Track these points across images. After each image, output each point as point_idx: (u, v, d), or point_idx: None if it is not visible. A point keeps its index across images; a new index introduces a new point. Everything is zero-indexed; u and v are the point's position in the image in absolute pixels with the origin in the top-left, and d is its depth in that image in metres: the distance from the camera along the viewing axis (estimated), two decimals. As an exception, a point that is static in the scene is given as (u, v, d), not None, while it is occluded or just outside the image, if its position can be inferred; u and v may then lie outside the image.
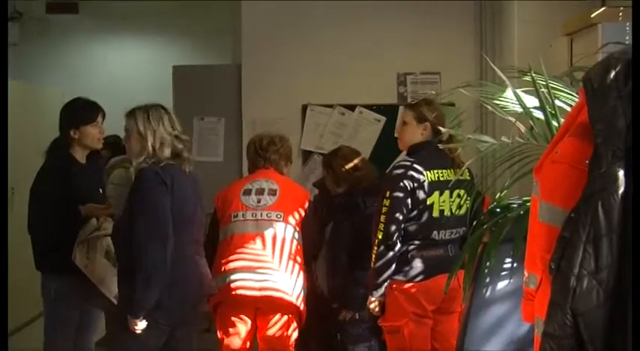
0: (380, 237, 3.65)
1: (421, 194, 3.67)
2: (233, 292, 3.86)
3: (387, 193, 3.65)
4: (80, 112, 4.01)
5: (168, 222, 3.30)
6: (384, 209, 3.65)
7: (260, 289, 3.85)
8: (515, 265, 2.87)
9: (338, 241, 4.30)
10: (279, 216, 3.96)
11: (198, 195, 3.56)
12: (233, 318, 3.92)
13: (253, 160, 4.18)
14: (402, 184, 3.65)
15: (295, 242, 3.97)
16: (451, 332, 3.79)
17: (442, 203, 3.72)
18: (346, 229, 4.30)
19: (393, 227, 3.64)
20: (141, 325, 3.29)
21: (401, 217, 3.64)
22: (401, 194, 3.64)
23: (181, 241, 3.35)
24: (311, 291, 4.13)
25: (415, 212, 3.68)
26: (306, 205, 4.08)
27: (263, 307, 3.90)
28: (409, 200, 3.65)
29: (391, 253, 3.65)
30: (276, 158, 4.15)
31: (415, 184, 3.65)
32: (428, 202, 3.69)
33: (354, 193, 4.35)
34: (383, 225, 3.64)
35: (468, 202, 3.72)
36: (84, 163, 4.02)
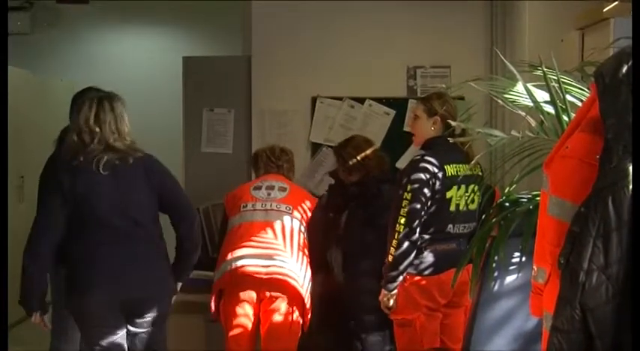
0: (401, 230, 3.63)
1: (437, 186, 3.66)
2: (239, 273, 3.83)
3: (408, 187, 3.64)
4: None
5: (46, 224, 3.28)
6: (404, 202, 3.63)
7: (266, 274, 3.84)
8: (523, 259, 2.86)
9: (352, 230, 4.31)
10: (288, 208, 3.97)
11: (128, 188, 3.34)
12: (237, 307, 3.91)
13: (265, 166, 4.21)
14: (419, 175, 3.65)
15: (303, 236, 3.97)
16: (459, 325, 3.80)
17: (458, 198, 3.72)
18: (360, 218, 4.31)
19: (414, 218, 3.63)
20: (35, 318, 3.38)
21: (418, 206, 3.63)
22: (418, 185, 3.64)
23: (96, 238, 3.29)
24: (325, 279, 4.14)
25: (431, 204, 3.68)
26: (312, 208, 4.10)
27: (268, 290, 3.87)
28: (427, 191, 3.65)
29: (410, 246, 3.64)
30: (288, 166, 4.23)
31: (430, 176, 3.65)
32: (447, 196, 3.69)
33: (368, 182, 4.36)
34: (404, 218, 3.62)
35: (478, 196, 3.73)
36: None
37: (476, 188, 3.75)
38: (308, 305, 3.94)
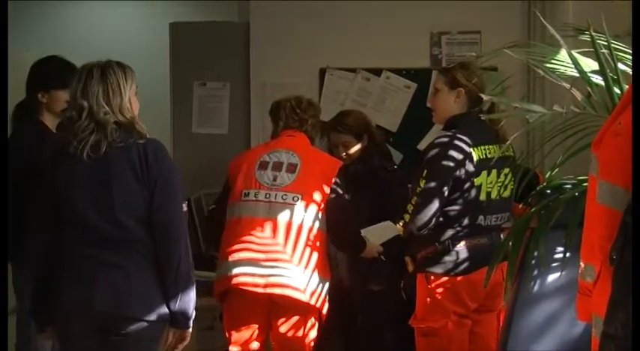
0: (409, 223, 3.62)
1: (466, 173, 3.63)
2: (234, 287, 3.88)
3: (424, 172, 3.63)
4: (52, 73, 4.01)
5: (40, 211, 3.21)
6: (418, 189, 3.62)
7: (265, 286, 3.85)
8: (568, 254, 2.86)
9: (359, 214, 4.33)
10: (296, 198, 3.94)
11: (112, 179, 3.14)
12: (242, 318, 3.94)
13: (287, 119, 4.16)
14: (443, 161, 3.62)
15: (315, 228, 3.96)
16: (491, 334, 3.80)
17: (490, 184, 3.70)
18: (368, 199, 4.37)
19: (428, 215, 3.60)
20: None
21: (438, 204, 3.60)
22: (442, 174, 3.61)
23: (71, 239, 3.17)
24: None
25: (458, 194, 3.65)
26: (334, 178, 4.02)
27: (277, 307, 3.92)
28: (451, 181, 3.62)
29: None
30: (313, 122, 4.20)
31: (459, 162, 3.62)
32: (476, 184, 3.67)
33: (369, 159, 4.53)
34: (416, 214, 3.60)
35: (512, 182, 3.72)
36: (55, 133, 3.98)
37: (508, 172, 3.74)
38: (320, 304, 3.94)
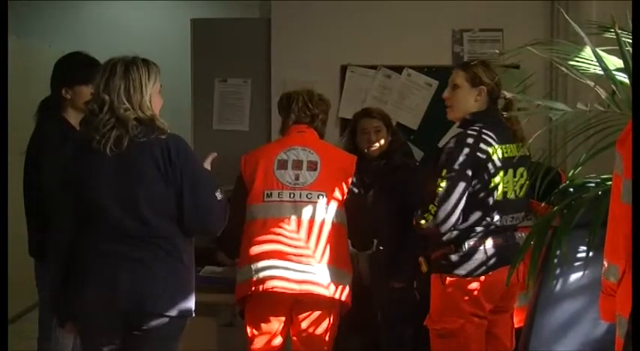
0: (430, 222, 3.57)
1: (487, 172, 3.57)
2: (269, 289, 3.83)
3: (444, 172, 3.56)
4: (76, 69, 4.02)
5: (65, 206, 3.22)
6: (439, 189, 3.54)
7: (300, 282, 3.83)
8: (591, 254, 2.84)
9: (379, 211, 4.33)
10: (320, 196, 3.92)
11: (136, 175, 3.17)
12: (267, 315, 3.91)
13: (299, 113, 4.12)
14: (464, 158, 3.55)
15: (339, 224, 3.95)
16: (506, 334, 3.77)
17: (506, 184, 3.65)
18: (389, 196, 4.37)
19: (448, 212, 3.54)
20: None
21: (461, 202, 3.54)
22: (463, 172, 3.55)
23: (93, 234, 3.20)
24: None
25: (478, 192, 3.60)
26: (353, 173, 3.99)
27: (300, 303, 3.90)
28: (472, 179, 3.56)
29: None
30: (323, 118, 4.16)
31: (480, 160, 3.56)
32: (495, 183, 3.60)
33: (392, 155, 4.55)
34: (436, 214, 3.53)
35: (527, 182, 3.68)
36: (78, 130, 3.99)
37: (525, 172, 3.69)
38: (344, 298, 3.92)
